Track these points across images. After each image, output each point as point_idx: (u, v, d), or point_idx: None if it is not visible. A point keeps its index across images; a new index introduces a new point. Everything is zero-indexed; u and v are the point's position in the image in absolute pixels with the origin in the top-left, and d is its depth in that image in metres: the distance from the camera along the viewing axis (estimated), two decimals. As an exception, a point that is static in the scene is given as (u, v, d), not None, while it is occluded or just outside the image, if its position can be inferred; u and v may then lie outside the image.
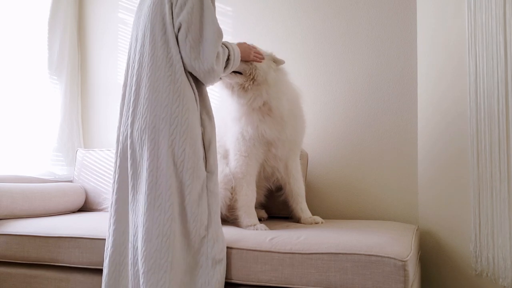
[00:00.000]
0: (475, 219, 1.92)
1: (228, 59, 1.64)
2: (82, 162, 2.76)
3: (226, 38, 1.80)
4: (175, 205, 1.52)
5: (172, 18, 1.55)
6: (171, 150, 1.53)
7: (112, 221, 1.65)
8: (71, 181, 2.79)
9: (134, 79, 1.62)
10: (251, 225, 1.88)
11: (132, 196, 1.60)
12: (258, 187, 2.06)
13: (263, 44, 2.05)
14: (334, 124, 2.49)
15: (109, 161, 2.68)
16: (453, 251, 2.04)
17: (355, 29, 2.48)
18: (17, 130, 2.70)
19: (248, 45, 1.86)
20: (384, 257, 1.44)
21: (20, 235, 1.97)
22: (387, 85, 2.40)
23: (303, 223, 2.04)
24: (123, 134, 1.65)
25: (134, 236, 1.58)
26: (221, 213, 1.86)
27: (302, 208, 2.07)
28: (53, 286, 1.89)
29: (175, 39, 1.55)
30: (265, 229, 1.84)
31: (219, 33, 1.56)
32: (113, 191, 1.67)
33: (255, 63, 1.85)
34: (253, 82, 1.86)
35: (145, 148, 1.55)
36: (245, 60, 1.82)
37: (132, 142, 1.60)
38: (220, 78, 1.85)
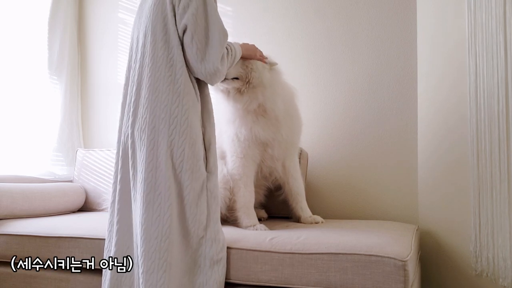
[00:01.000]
0: (475, 219, 1.92)
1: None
2: (82, 162, 2.76)
3: (226, 38, 1.80)
4: (174, 206, 1.52)
5: (175, 19, 1.55)
6: (170, 150, 1.53)
7: (115, 220, 1.64)
8: (71, 181, 2.79)
9: (135, 79, 1.62)
10: (250, 226, 1.88)
11: (133, 196, 1.60)
12: (257, 186, 2.06)
13: (263, 44, 2.04)
14: (334, 124, 2.49)
15: (109, 161, 2.68)
16: (453, 251, 2.04)
17: (355, 29, 2.48)
18: (17, 130, 2.70)
19: (255, 46, 1.89)
20: (384, 257, 1.44)
21: (20, 235, 1.97)
22: (387, 85, 2.40)
23: (303, 223, 2.04)
24: (125, 135, 1.65)
25: (137, 236, 1.58)
26: (221, 213, 1.85)
27: (302, 207, 2.07)
28: (53, 286, 1.89)
29: (177, 39, 1.55)
30: (265, 229, 1.84)
31: (225, 33, 1.55)
32: (116, 191, 1.67)
33: (250, 66, 1.85)
34: (248, 85, 1.87)
35: (144, 148, 1.55)
36: (250, 58, 1.84)
37: (133, 142, 1.60)
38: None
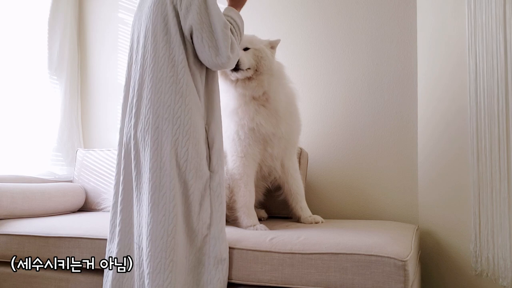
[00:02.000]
0: (475, 219, 1.92)
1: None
2: (82, 162, 2.76)
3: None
4: (179, 205, 1.52)
5: (177, 19, 1.55)
6: (174, 150, 1.53)
7: (118, 221, 1.65)
8: (71, 181, 2.79)
9: (137, 80, 1.62)
10: (251, 226, 1.88)
11: (136, 197, 1.60)
12: (256, 186, 2.06)
13: (263, 44, 2.05)
14: (334, 124, 2.49)
15: (109, 161, 2.67)
16: (453, 251, 2.04)
17: (355, 29, 2.48)
18: (17, 130, 2.70)
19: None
20: (384, 257, 1.44)
21: (20, 235, 1.97)
22: (387, 85, 2.40)
23: (303, 222, 2.04)
24: (127, 136, 1.65)
25: (139, 237, 1.58)
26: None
27: (301, 207, 2.07)
28: (53, 286, 1.89)
29: (179, 39, 1.55)
30: (265, 229, 1.84)
31: (225, 25, 1.55)
32: (118, 192, 1.67)
33: (260, 55, 1.91)
34: (257, 72, 1.92)
35: (148, 149, 1.55)
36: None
37: (136, 143, 1.60)
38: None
